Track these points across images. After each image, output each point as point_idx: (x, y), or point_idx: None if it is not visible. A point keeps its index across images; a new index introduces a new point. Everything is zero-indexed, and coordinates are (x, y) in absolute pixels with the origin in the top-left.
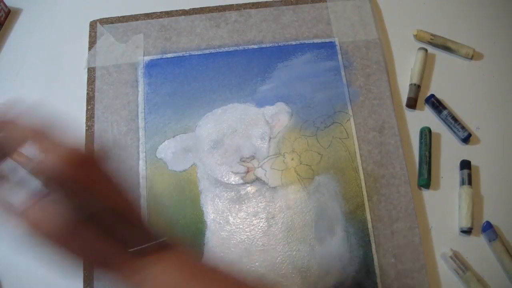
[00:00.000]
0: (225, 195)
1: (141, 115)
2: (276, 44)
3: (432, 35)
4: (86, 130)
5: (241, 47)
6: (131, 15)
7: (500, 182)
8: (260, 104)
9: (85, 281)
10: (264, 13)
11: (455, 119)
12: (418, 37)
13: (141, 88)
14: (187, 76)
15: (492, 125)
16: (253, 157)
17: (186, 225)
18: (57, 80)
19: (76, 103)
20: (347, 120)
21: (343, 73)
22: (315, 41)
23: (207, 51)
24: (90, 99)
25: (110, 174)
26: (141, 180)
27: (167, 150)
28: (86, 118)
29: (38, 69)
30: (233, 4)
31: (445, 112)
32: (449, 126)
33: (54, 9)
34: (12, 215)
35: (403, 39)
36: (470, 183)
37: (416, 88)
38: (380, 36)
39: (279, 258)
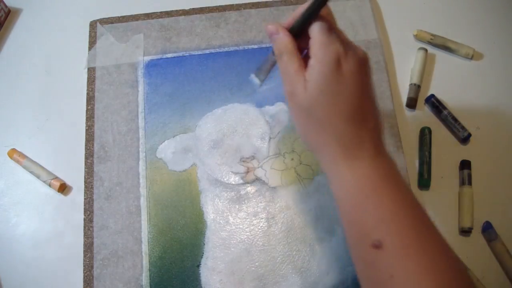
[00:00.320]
0: (225, 195)
1: (141, 115)
2: None
3: (432, 35)
4: (86, 130)
5: (241, 47)
6: (131, 15)
7: (500, 182)
8: (260, 104)
9: (85, 281)
10: (264, 13)
11: (455, 119)
12: (418, 37)
13: (141, 88)
14: (187, 76)
15: (492, 125)
16: (253, 157)
17: (186, 225)
18: (57, 80)
19: (76, 103)
20: None
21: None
22: None
23: (207, 51)
24: (90, 99)
25: None
26: (141, 180)
27: (167, 150)
28: (86, 118)
29: (38, 69)
30: (233, 4)
31: (445, 112)
32: (449, 126)
33: (54, 9)
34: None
35: (403, 39)
36: (470, 183)
37: (416, 88)
38: (380, 36)
39: (279, 258)
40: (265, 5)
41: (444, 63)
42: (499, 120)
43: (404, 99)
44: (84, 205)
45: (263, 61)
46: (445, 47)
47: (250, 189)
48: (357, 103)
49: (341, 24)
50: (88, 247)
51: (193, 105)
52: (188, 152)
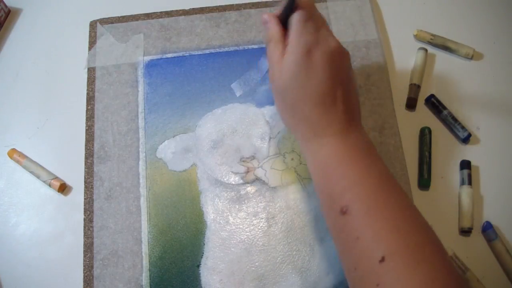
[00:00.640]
0: (225, 195)
1: (141, 115)
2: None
3: (432, 35)
4: (86, 130)
5: (241, 47)
6: (131, 15)
7: (500, 182)
8: (260, 104)
9: (85, 281)
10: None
11: (455, 119)
12: (418, 37)
13: (141, 88)
14: (187, 76)
15: (492, 125)
16: (253, 157)
17: (186, 225)
18: (57, 80)
19: (76, 103)
20: None
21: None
22: None
23: (207, 51)
24: (90, 99)
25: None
26: (141, 180)
27: (167, 150)
28: (86, 118)
29: (38, 69)
30: (233, 4)
31: (445, 112)
32: (449, 126)
33: (54, 9)
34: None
35: (403, 39)
36: (470, 183)
37: (416, 88)
38: (380, 36)
39: (279, 258)
40: (265, 5)
41: (444, 63)
42: (499, 120)
43: (404, 99)
44: (84, 205)
45: (247, 75)
46: (445, 47)
47: (250, 189)
48: (326, 89)
49: (341, 24)
50: (88, 247)
51: (193, 105)
52: (188, 152)
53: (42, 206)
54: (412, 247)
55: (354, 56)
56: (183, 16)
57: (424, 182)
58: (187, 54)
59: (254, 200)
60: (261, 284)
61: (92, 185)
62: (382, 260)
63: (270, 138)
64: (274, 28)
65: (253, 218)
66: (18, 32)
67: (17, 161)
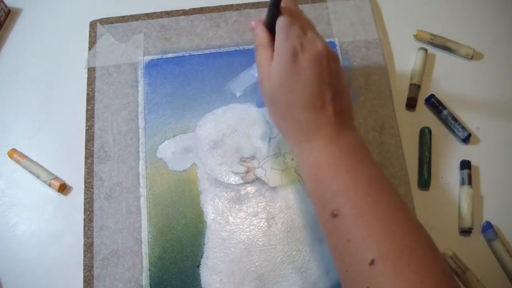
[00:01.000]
0: (225, 195)
1: (141, 115)
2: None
3: (432, 35)
4: (86, 130)
5: (241, 47)
6: (131, 15)
7: (500, 182)
8: (260, 104)
9: (85, 281)
10: (264, 13)
11: (455, 119)
12: (418, 37)
13: (141, 88)
14: (187, 76)
15: (492, 125)
16: (253, 157)
17: (186, 225)
18: (57, 80)
19: (76, 103)
20: None
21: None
22: None
23: (207, 51)
24: (90, 99)
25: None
26: (141, 180)
27: (167, 150)
28: (86, 118)
29: (38, 69)
30: (233, 4)
31: (445, 112)
32: (449, 126)
33: (54, 9)
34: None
35: (403, 39)
36: (470, 183)
37: (416, 88)
38: (380, 36)
39: (279, 258)
40: (265, 5)
41: (444, 63)
42: (499, 120)
43: (404, 99)
44: (84, 205)
45: (242, 75)
46: (445, 47)
47: (250, 189)
48: (315, 92)
49: (341, 24)
50: (88, 247)
51: (193, 105)
52: (188, 152)
53: (42, 206)
54: (402, 249)
55: (354, 56)
56: (183, 16)
57: (424, 182)
58: (187, 54)
59: (254, 200)
60: (261, 284)
61: (92, 185)
62: (372, 263)
63: (270, 138)
64: (260, 34)
65: (253, 218)
66: (18, 32)
67: (17, 161)
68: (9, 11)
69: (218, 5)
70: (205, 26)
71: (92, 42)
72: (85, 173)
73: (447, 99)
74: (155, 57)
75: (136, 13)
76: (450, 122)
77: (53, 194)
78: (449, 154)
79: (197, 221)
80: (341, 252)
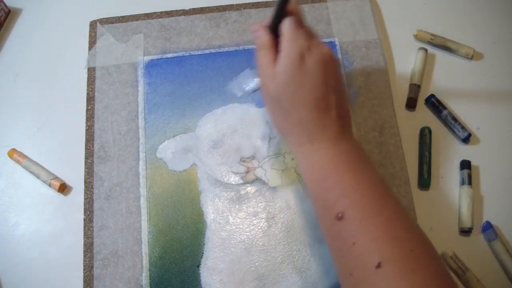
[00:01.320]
0: (225, 195)
1: (141, 115)
2: None
3: (432, 35)
4: (86, 130)
5: (241, 47)
6: (131, 15)
7: (500, 182)
8: (260, 104)
9: (85, 281)
10: (264, 13)
11: (455, 119)
12: (418, 37)
13: (141, 88)
14: (187, 76)
15: (492, 125)
16: (253, 157)
17: (186, 225)
18: (57, 80)
19: (76, 103)
20: None
21: (343, 73)
22: None
23: (207, 51)
24: (90, 99)
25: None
26: (141, 180)
27: (167, 150)
28: (86, 118)
29: (38, 69)
30: (233, 4)
31: (445, 112)
32: (449, 126)
33: (54, 9)
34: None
35: (403, 39)
36: (470, 183)
37: (416, 88)
38: (380, 36)
39: (279, 258)
40: (265, 5)
41: (444, 63)
42: (499, 120)
43: (404, 99)
44: (84, 205)
45: (242, 76)
46: (445, 47)
47: (250, 189)
48: (320, 94)
49: (341, 24)
50: (88, 247)
51: (193, 105)
52: (188, 152)
53: (42, 206)
54: (407, 254)
55: (354, 56)
56: (183, 16)
57: (424, 182)
58: (187, 54)
59: (254, 200)
60: (261, 284)
61: (92, 185)
62: (379, 266)
63: (270, 138)
64: (264, 36)
65: (253, 218)
66: (18, 32)
67: (17, 161)
68: (9, 11)
69: (218, 5)
70: (205, 26)
71: (92, 42)
72: (85, 173)
73: (447, 99)
74: (155, 57)
75: (136, 13)
76: (450, 122)
77: (53, 194)
78: (449, 154)
79: (197, 221)
80: (345, 256)
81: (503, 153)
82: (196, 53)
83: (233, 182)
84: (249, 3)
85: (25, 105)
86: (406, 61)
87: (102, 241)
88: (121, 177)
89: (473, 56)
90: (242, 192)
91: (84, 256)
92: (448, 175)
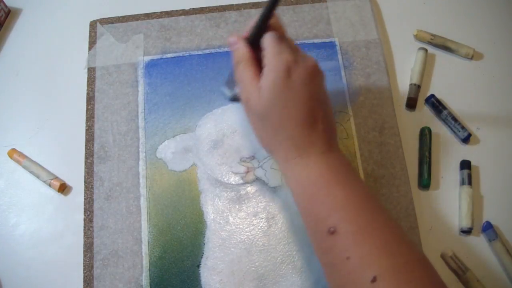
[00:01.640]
0: (225, 195)
1: (141, 115)
2: None
3: (432, 35)
4: (86, 130)
5: None
6: (131, 15)
7: (500, 182)
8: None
9: (85, 281)
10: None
11: (455, 119)
12: (418, 37)
13: (141, 88)
14: (187, 76)
15: (492, 125)
16: (253, 157)
17: (186, 225)
18: (57, 80)
19: (76, 103)
20: (347, 120)
21: (343, 73)
22: (315, 41)
23: (207, 51)
24: (90, 99)
25: None
26: (141, 180)
27: (167, 150)
28: (86, 118)
29: (38, 69)
30: (233, 4)
31: (445, 112)
32: (449, 126)
33: (54, 9)
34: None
35: (403, 39)
36: (470, 183)
37: (416, 88)
38: (380, 36)
39: (279, 258)
40: (265, 5)
41: (444, 63)
42: (499, 120)
43: (404, 99)
44: (84, 205)
45: (229, 74)
46: (445, 47)
47: (250, 189)
48: (307, 108)
49: (341, 24)
50: (88, 247)
51: (193, 105)
52: (188, 152)
53: (42, 206)
54: (402, 266)
55: (354, 56)
56: (183, 16)
57: (424, 182)
58: (187, 54)
59: (254, 200)
60: (261, 284)
61: (92, 185)
62: (374, 280)
63: None
64: (243, 49)
65: (253, 218)
66: (18, 32)
67: (17, 161)
68: (9, 11)
69: (218, 5)
70: (205, 26)
71: (92, 42)
72: (85, 173)
73: (447, 99)
74: (155, 57)
75: (136, 13)
76: (450, 122)
77: (53, 194)
78: (449, 154)
79: (197, 221)
80: (338, 270)
81: (503, 153)
82: (196, 53)
83: (233, 182)
84: (249, 3)
85: (25, 105)
86: (406, 61)
87: (102, 241)
88: (121, 177)
89: (473, 56)
90: (242, 192)
91: (84, 256)
92: (448, 175)
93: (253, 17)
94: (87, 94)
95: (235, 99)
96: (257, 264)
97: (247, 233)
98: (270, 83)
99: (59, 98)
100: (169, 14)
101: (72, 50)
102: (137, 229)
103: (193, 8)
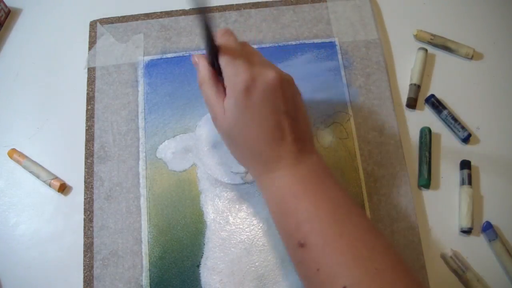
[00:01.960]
0: (225, 195)
1: (141, 115)
2: (276, 44)
3: (432, 35)
4: (86, 130)
5: None
6: (131, 15)
7: (500, 182)
8: None
9: (85, 281)
10: (264, 13)
11: (455, 119)
12: (418, 37)
13: (141, 88)
14: (187, 76)
15: (492, 125)
16: None
17: (186, 225)
18: (57, 80)
19: (76, 103)
20: (347, 120)
21: (343, 73)
22: (315, 41)
23: None
24: (90, 99)
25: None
26: (141, 180)
27: (167, 150)
28: (86, 118)
29: (38, 69)
30: (233, 4)
31: (445, 112)
32: (449, 126)
33: (54, 9)
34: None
35: (403, 39)
36: (470, 183)
37: (416, 88)
38: (380, 36)
39: (279, 258)
40: (265, 5)
41: (444, 63)
42: (499, 120)
43: (404, 99)
44: (84, 205)
45: None
46: (445, 47)
47: (250, 189)
48: (271, 124)
49: (341, 24)
50: (88, 247)
51: (193, 105)
52: (188, 152)
53: (42, 206)
54: (373, 274)
55: (354, 56)
56: (183, 16)
57: (424, 182)
58: (187, 54)
59: (254, 200)
60: (261, 284)
61: (92, 185)
62: None
63: None
64: (203, 70)
65: (253, 218)
66: (18, 32)
67: (17, 161)
68: (9, 11)
69: (218, 5)
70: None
71: (92, 42)
72: (85, 173)
73: (447, 99)
74: (155, 57)
75: (136, 13)
76: (450, 122)
77: (53, 194)
78: (449, 154)
79: (197, 221)
80: (311, 282)
81: (503, 153)
82: (196, 53)
83: (233, 182)
84: (249, 3)
85: (25, 105)
86: (406, 61)
87: (102, 241)
88: (121, 177)
89: (473, 56)
90: (242, 192)
91: (84, 256)
92: (448, 175)
93: (253, 17)
94: (87, 94)
95: None
96: (257, 264)
97: (247, 233)
98: (231, 105)
99: (59, 98)
100: (169, 14)
101: (72, 50)
102: (137, 229)
103: (193, 8)
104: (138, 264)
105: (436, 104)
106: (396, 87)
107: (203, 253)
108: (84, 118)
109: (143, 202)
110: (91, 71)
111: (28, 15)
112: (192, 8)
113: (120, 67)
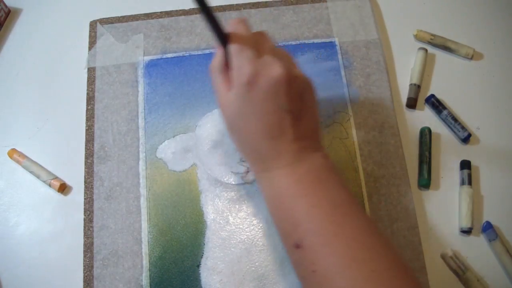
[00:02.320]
0: (225, 195)
1: (141, 115)
2: (276, 44)
3: (432, 35)
4: (86, 130)
5: None
6: (131, 15)
7: (500, 182)
8: None
9: (85, 281)
10: (264, 13)
11: (455, 119)
12: (418, 37)
13: (141, 88)
14: (187, 76)
15: (492, 125)
16: None
17: (186, 225)
18: (57, 80)
19: (76, 103)
20: (347, 120)
21: (343, 73)
22: (315, 41)
23: (207, 51)
24: (90, 99)
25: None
26: (141, 180)
27: (167, 150)
28: (86, 118)
29: (38, 69)
30: (233, 4)
31: (445, 112)
32: (449, 126)
33: (54, 9)
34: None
35: (403, 39)
36: (470, 183)
37: (416, 88)
38: (380, 36)
39: (279, 258)
40: (265, 5)
41: (444, 63)
42: (499, 120)
43: (404, 99)
44: (84, 205)
45: None
46: (445, 47)
47: (250, 189)
48: (272, 121)
49: (341, 24)
50: (88, 247)
51: (193, 105)
52: (188, 152)
53: (42, 206)
54: (369, 275)
55: (354, 56)
56: (183, 16)
57: (424, 182)
58: (187, 54)
59: (254, 200)
60: (261, 284)
61: (92, 185)
62: None
63: None
64: (216, 58)
65: (253, 218)
66: (18, 32)
67: (17, 161)
68: (9, 11)
69: (218, 5)
70: (205, 26)
71: (92, 42)
72: (85, 173)
73: (447, 99)
74: (155, 57)
75: (136, 13)
76: (450, 122)
77: (53, 194)
78: (449, 154)
79: (197, 221)
80: (308, 283)
81: (503, 153)
82: (196, 53)
83: (233, 182)
84: (249, 3)
85: (25, 105)
86: (406, 61)
87: (102, 241)
88: (121, 177)
89: (473, 56)
90: (242, 192)
91: (84, 256)
92: (448, 175)
93: (253, 17)
94: (87, 94)
95: None
96: (257, 264)
97: (247, 233)
98: (234, 98)
99: (59, 98)
100: (169, 14)
101: (72, 50)
102: (137, 229)
103: (193, 8)
104: (138, 264)
105: (436, 104)
106: (396, 87)
107: (203, 253)
108: (84, 118)
109: (143, 202)
110: (91, 71)
111: (28, 15)
112: None
113: (120, 67)
